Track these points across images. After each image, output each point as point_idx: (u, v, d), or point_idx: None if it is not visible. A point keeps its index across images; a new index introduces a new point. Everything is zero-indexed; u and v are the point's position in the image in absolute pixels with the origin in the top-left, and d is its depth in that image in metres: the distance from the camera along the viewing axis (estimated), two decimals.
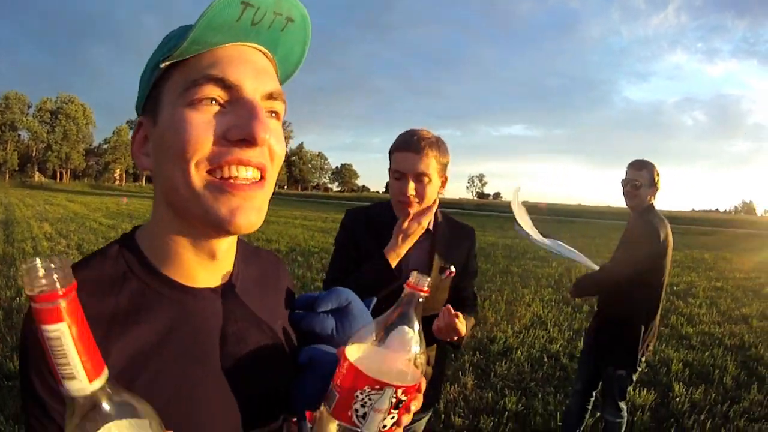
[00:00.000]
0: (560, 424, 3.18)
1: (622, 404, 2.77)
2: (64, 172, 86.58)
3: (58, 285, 0.37)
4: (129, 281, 0.64)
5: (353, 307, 0.86)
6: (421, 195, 1.58)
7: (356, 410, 0.62)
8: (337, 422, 0.63)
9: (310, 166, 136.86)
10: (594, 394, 2.94)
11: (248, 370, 0.69)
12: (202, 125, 0.58)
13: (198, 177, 0.58)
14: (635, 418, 3.45)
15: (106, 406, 0.41)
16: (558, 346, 5.06)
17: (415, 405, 0.67)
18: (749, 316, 6.94)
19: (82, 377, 0.39)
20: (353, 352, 0.64)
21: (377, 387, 0.61)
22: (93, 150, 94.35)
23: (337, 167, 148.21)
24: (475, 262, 1.87)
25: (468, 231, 1.83)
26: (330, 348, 0.78)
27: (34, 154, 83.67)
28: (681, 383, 4.14)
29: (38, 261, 0.37)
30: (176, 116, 0.58)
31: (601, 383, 2.85)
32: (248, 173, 0.60)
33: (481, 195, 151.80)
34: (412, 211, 1.57)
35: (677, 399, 3.85)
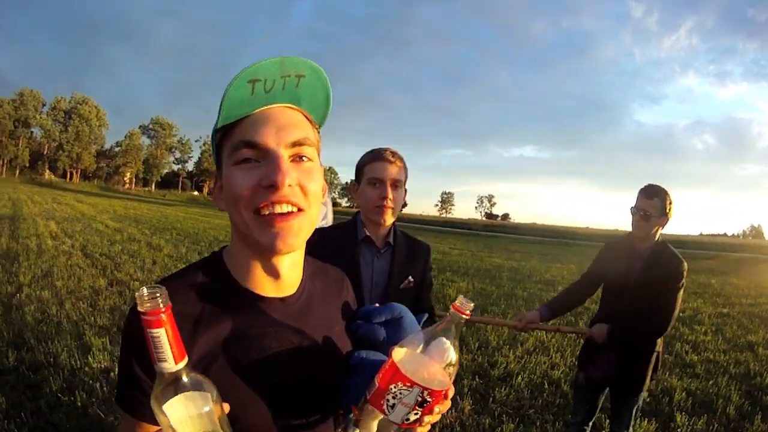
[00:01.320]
0: None
1: (631, 428, 2.72)
2: (74, 172, 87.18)
3: (161, 305, 0.58)
4: (214, 290, 0.83)
5: (404, 320, 0.99)
6: (397, 200, 1.82)
7: (388, 401, 0.76)
8: (372, 408, 0.77)
9: None
10: (590, 424, 2.87)
11: (304, 366, 0.86)
12: (244, 180, 0.76)
13: (247, 216, 0.77)
14: None
15: (184, 379, 0.61)
16: (560, 372, 4.95)
17: (440, 408, 0.80)
18: (755, 343, 6.78)
19: (170, 360, 0.60)
20: (398, 353, 0.78)
21: (408, 384, 0.74)
22: (104, 152, 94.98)
23: (346, 183, 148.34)
24: (430, 276, 2.06)
25: (424, 246, 2.03)
26: (379, 354, 0.91)
27: (45, 152, 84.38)
28: (683, 413, 4.04)
29: (145, 290, 0.58)
30: (228, 174, 0.79)
31: (604, 411, 2.77)
32: (283, 209, 0.76)
33: (490, 215, 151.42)
34: (387, 216, 1.81)
35: (678, 430, 3.74)
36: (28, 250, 9.47)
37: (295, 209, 0.77)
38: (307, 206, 0.79)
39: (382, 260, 1.87)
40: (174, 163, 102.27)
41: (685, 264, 2.52)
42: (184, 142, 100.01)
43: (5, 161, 78.63)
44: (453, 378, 0.79)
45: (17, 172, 76.32)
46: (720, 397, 4.50)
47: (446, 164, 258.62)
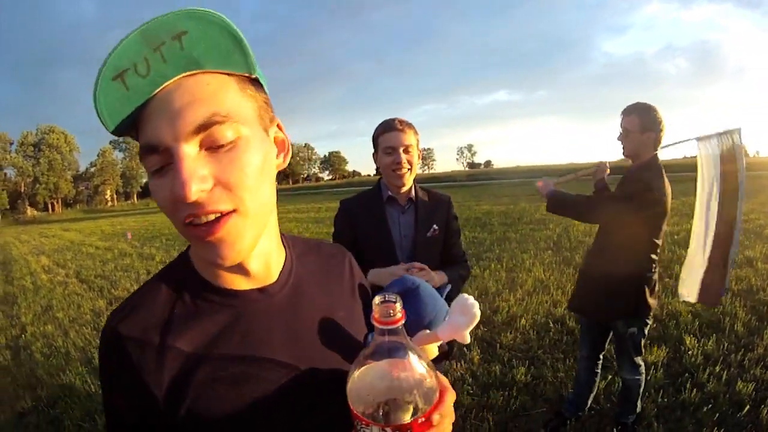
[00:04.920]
0: (571, 391, 3.12)
1: (639, 360, 2.69)
2: (55, 203, 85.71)
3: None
4: (183, 292, 0.70)
5: (421, 291, 0.89)
6: (411, 162, 2.00)
7: None
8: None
9: (298, 158, 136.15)
10: (601, 356, 2.89)
11: (302, 361, 0.72)
12: (160, 194, 0.60)
13: (182, 230, 0.62)
14: (648, 377, 3.40)
15: None
16: (563, 309, 4.99)
17: None
18: (754, 258, 6.78)
19: None
20: (352, 378, 0.60)
21: (364, 423, 0.57)
22: (81, 175, 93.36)
23: (325, 156, 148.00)
24: (456, 223, 2.21)
25: (444, 197, 2.21)
26: None
27: (23, 190, 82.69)
28: (692, 336, 4.10)
29: None
30: (150, 186, 0.63)
31: (613, 344, 2.78)
32: (209, 218, 0.60)
33: (472, 165, 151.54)
34: (406, 178, 2.00)
35: (689, 352, 3.79)
36: (24, 290, 9.35)
37: (223, 213, 0.60)
38: (239, 204, 0.61)
39: (407, 215, 2.07)
40: None
41: (653, 185, 2.41)
42: None
43: None
44: (434, 396, 0.60)
45: None
46: (726, 315, 4.55)
47: (421, 121, 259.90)
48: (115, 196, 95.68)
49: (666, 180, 2.50)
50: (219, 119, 0.58)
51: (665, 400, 3.15)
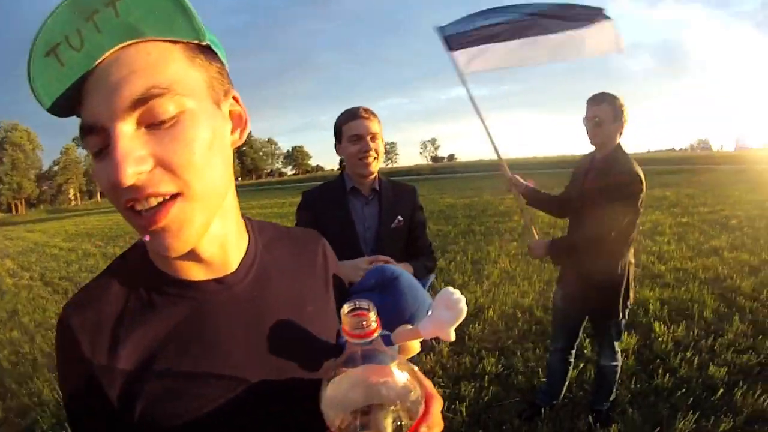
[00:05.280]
0: (543, 380, 3.15)
1: (617, 346, 2.74)
2: (18, 203, 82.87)
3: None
4: (136, 284, 0.65)
5: (400, 282, 0.82)
6: (377, 151, 1.99)
7: None
8: None
9: (261, 153, 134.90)
10: (574, 346, 2.90)
11: (263, 361, 0.67)
12: (101, 176, 0.53)
13: (126, 215, 0.57)
14: (621, 363, 3.44)
15: None
16: (530, 299, 5.05)
17: None
18: (720, 248, 6.97)
19: None
20: (325, 388, 0.53)
21: None
22: (44, 174, 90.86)
23: (288, 151, 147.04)
24: (421, 214, 2.19)
25: (409, 188, 2.21)
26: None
27: None
28: (661, 323, 4.19)
29: None
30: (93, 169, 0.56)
31: (590, 333, 2.78)
32: (151, 203, 0.54)
33: (436, 159, 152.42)
34: (372, 166, 1.98)
35: (660, 339, 3.88)
36: None
37: (166, 197, 0.55)
38: (183, 186, 0.55)
39: (371, 206, 2.05)
40: None
41: (640, 175, 2.40)
42: None
43: None
44: (420, 408, 0.53)
45: None
46: (695, 302, 4.68)
47: (385, 115, 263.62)
48: (78, 194, 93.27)
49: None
50: (158, 92, 0.52)
51: (638, 386, 3.22)
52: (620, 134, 2.50)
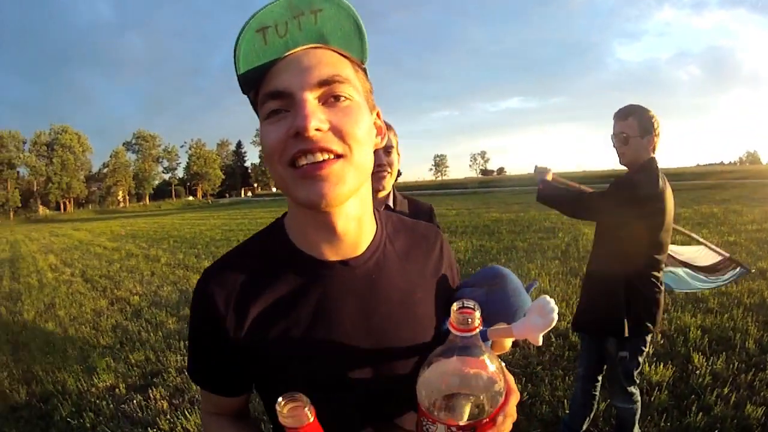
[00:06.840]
0: (567, 412, 2.94)
1: (633, 389, 2.46)
2: (67, 203, 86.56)
3: (309, 416, 0.60)
4: (272, 256, 0.79)
5: (506, 283, 0.86)
6: (391, 164, 1.92)
7: None
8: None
9: None
10: (600, 377, 2.67)
11: (372, 336, 0.77)
12: (274, 132, 0.67)
13: (283, 171, 0.68)
14: (652, 398, 3.25)
15: None
16: (566, 322, 4.72)
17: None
18: (767, 270, 6.51)
19: None
20: (423, 376, 0.64)
21: (430, 420, 0.62)
22: (93, 176, 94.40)
23: None
24: None
25: (425, 206, 2.15)
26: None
27: (35, 189, 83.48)
28: (700, 353, 3.92)
29: (283, 402, 0.60)
30: (261, 131, 0.70)
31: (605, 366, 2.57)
32: (317, 157, 0.66)
33: (485, 172, 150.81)
34: (386, 181, 1.91)
35: (697, 372, 3.62)
36: (29, 287, 9.49)
37: (331, 156, 0.66)
38: (347, 151, 0.67)
39: None
40: (163, 172, 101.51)
41: (645, 183, 2.23)
42: (169, 150, 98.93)
43: None
44: (501, 399, 0.63)
45: (11, 214, 75.64)
46: (737, 332, 4.35)
47: (436, 128, 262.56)
48: (127, 197, 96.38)
49: (667, 186, 2.30)
50: (340, 79, 0.68)
51: (668, 423, 2.99)
52: (653, 148, 2.30)
